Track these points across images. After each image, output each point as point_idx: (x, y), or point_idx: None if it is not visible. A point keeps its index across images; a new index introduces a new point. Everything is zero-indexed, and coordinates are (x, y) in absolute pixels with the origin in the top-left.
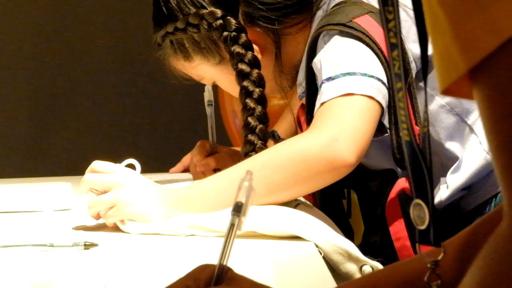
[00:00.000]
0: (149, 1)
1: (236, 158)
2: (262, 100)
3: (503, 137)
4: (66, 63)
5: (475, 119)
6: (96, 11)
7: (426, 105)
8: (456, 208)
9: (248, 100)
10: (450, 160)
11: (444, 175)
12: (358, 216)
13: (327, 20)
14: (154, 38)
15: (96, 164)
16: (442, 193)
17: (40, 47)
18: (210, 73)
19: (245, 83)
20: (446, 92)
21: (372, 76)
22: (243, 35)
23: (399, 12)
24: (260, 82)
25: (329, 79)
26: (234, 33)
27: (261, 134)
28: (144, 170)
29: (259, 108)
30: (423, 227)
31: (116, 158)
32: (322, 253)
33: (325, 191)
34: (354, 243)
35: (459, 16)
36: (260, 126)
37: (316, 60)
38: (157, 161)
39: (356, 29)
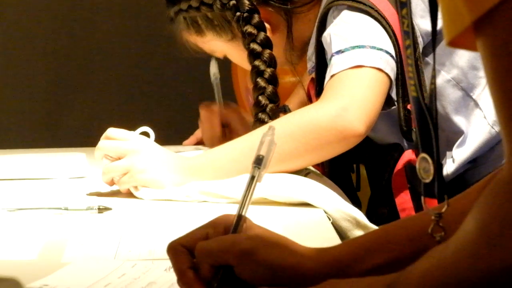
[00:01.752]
0: None
1: (243, 114)
2: (273, 80)
3: (505, 87)
4: (81, 36)
5: (480, 93)
6: None
7: (434, 63)
8: (461, 180)
9: (259, 80)
10: (456, 134)
11: (450, 149)
12: (367, 189)
13: None
14: (167, 13)
15: (111, 131)
16: (448, 167)
17: (56, 21)
18: (222, 48)
19: (257, 63)
20: (452, 43)
21: (381, 49)
22: (255, 15)
23: None
24: (271, 62)
25: (339, 52)
26: (246, 13)
27: (271, 113)
28: (158, 143)
29: (270, 88)
30: (428, 180)
31: (131, 130)
32: (331, 219)
33: (334, 165)
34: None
35: None
36: (271, 105)
37: (325, 34)
38: (171, 133)
39: (364, 4)
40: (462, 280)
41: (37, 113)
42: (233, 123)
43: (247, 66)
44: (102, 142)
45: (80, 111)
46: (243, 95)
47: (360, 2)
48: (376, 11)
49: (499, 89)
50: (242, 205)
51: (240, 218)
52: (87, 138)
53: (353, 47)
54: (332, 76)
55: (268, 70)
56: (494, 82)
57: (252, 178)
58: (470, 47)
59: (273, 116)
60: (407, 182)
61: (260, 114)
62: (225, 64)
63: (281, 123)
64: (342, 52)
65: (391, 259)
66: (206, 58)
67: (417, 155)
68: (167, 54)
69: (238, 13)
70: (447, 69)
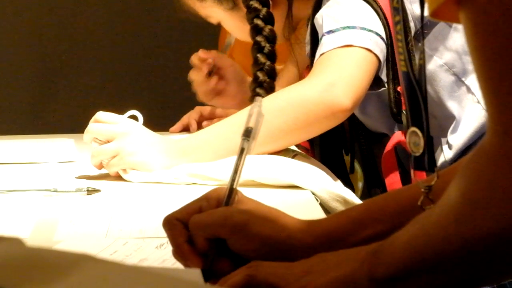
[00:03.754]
0: None
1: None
2: (272, 56)
3: (485, 57)
4: (68, 23)
5: (473, 79)
6: None
7: (423, 39)
8: None
9: (259, 55)
10: (448, 120)
11: (444, 135)
12: (359, 171)
13: None
14: None
15: (100, 115)
16: (446, 154)
17: (42, 9)
18: (219, 15)
19: (259, 38)
20: (434, 15)
21: (371, 31)
22: None
23: None
24: (272, 38)
25: (330, 32)
26: None
27: (268, 88)
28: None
29: (268, 63)
30: (418, 153)
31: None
32: (319, 200)
33: (324, 148)
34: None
35: None
36: (268, 80)
37: (318, 16)
38: (157, 120)
39: None
40: (447, 245)
41: (25, 101)
42: (227, 73)
43: (240, 36)
44: (91, 125)
45: (67, 98)
46: None
47: None
48: None
49: (480, 58)
50: (233, 178)
51: (231, 191)
52: (75, 125)
53: (344, 28)
54: (321, 54)
55: (268, 45)
56: (475, 51)
57: (242, 150)
58: (452, 19)
59: (270, 91)
60: (397, 163)
61: (257, 89)
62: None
63: (270, 99)
64: (333, 32)
65: (382, 231)
66: (196, 46)
67: (406, 112)
68: (154, 40)
69: None
70: (439, 54)
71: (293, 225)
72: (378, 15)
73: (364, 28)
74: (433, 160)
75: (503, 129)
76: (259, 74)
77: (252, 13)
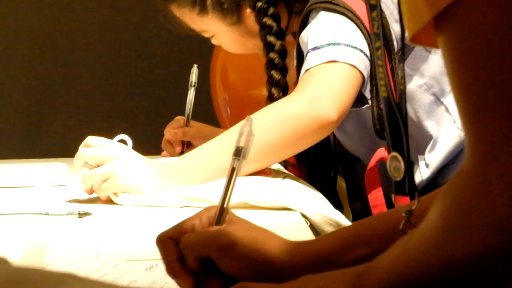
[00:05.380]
0: None
1: (205, 132)
2: (284, 70)
3: (463, 82)
4: (61, 47)
5: (451, 99)
6: None
7: (403, 63)
8: (432, 182)
9: (273, 72)
10: (425, 139)
11: (421, 153)
12: (343, 185)
13: None
14: None
15: (90, 139)
16: (423, 173)
17: (36, 33)
18: (217, 29)
19: (272, 55)
20: (414, 40)
21: (355, 47)
22: (271, 7)
23: None
24: (283, 53)
25: (315, 48)
26: (266, 4)
27: None
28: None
29: (282, 79)
30: (399, 178)
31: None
32: (308, 222)
33: (312, 164)
34: (343, 208)
35: None
36: (282, 96)
37: (303, 34)
38: (150, 145)
39: (340, 6)
40: (427, 267)
41: (17, 125)
42: (196, 143)
43: (235, 49)
44: (82, 149)
45: (60, 123)
46: (222, 106)
47: (337, 4)
48: (351, 12)
49: (459, 84)
50: (224, 197)
51: (222, 210)
52: (67, 149)
53: (328, 44)
54: (306, 70)
55: (281, 62)
56: (453, 75)
57: (233, 170)
58: (431, 44)
59: None
60: (380, 179)
61: None
62: (204, 73)
63: (257, 116)
64: (318, 48)
65: (371, 253)
66: (187, 69)
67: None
68: (145, 66)
69: (259, 3)
70: (419, 74)
71: (280, 248)
72: (362, 32)
73: (348, 45)
74: (413, 185)
75: (481, 155)
76: (274, 91)
77: (265, 30)
